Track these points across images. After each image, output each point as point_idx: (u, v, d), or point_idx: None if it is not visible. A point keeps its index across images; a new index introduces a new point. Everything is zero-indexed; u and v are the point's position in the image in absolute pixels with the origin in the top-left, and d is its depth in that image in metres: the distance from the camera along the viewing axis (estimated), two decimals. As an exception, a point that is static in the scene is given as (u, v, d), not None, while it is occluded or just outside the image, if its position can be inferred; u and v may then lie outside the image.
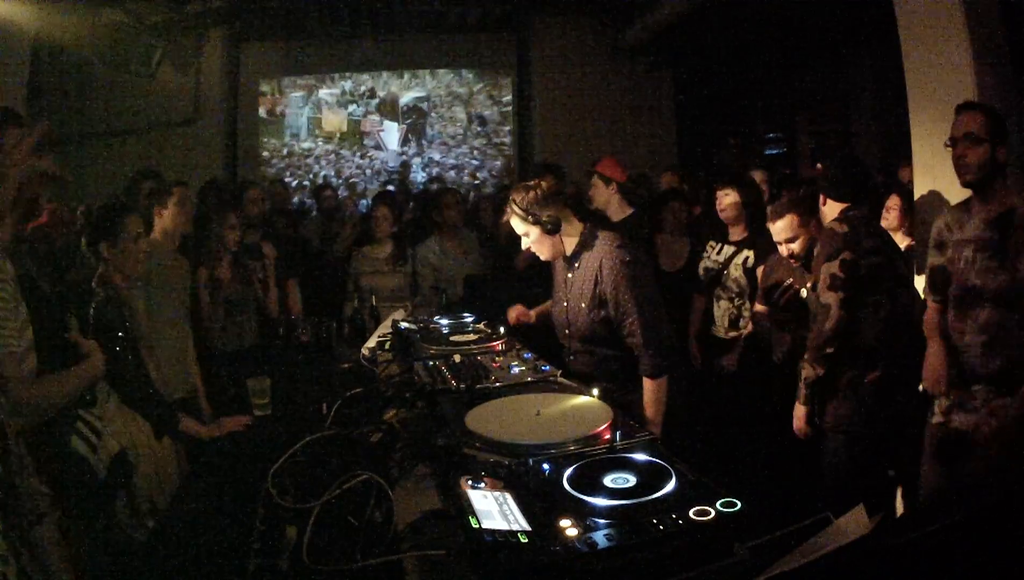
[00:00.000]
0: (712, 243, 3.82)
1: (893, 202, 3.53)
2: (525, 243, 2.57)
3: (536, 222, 2.49)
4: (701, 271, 3.78)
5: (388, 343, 2.87)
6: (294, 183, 7.78)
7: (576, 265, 2.57)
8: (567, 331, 2.63)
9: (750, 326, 3.55)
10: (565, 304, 2.62)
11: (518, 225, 2.54)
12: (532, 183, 2.55)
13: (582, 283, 2.53)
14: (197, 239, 3.74)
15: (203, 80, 6.91)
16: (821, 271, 2.64)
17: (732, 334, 3.66)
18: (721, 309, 3.70)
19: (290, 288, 4.15)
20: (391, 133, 8.12)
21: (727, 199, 3.65)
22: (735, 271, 3.62)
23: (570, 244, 2.58)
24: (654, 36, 6.49)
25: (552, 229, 2.48)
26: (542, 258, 2.62)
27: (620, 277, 2.43)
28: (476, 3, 7.15)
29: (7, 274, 1.67)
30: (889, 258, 2.72)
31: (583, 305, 2.52)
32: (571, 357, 2.64)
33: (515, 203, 2.51)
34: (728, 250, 3.70)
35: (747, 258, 3.61)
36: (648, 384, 2.43)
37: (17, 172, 1.68)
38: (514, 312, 2.91)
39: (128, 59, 5.89)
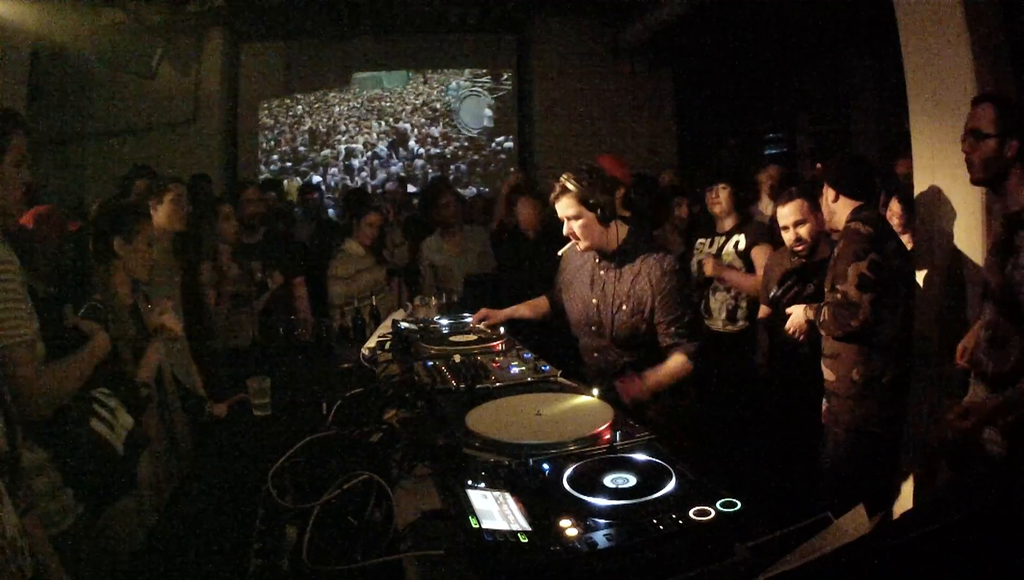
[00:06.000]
0: (702, 240, 3.90)
1: (895, 207, 3.52)
2: (567, 228, 2.48)
3: (593, 207, 2.41)
4: (694, 266, 3.80)
5: (388, 343, 2.88)
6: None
7: (616, 267, 2.52)
8: (593, 328, 2.58)
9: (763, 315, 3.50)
10: (594, 301, 2.56)
11: (569, 206, 2.44)
12: (586, 167, 2.47)
13: (627, 287, 2.48)
14: (196, 237, 3.73)
15: (203, 80, 6.92)
16: (849, 271, 2.60)
17: (729, 328, 3.68)
18: (718, 301, 3.73)
19: (297, 287, 4.14)
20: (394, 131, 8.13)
21: (724, 193, 3.73)
22: (728, 257, 3.68)
23: (611, 241, 2.50)
24: (654, 36, 6.49)
25: (606, 218, 2.42)
26: (580, 248, 2.53)
27: (671, 284, 2.45)
28: (476, 3, 7.16)
29: (14, 264, 1.68)
30: (906, 259, 2.72)
31: (624, 307, 2.48)
32: (595, 354, 2.59)
33: (571, 182, 2.42)
34: (719, 240, 3.77)
35: (738, 242, 3.68)
36: (679, 359, 2.43)
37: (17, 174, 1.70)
38: (478, 316, 2.81)
39: (128, 59, 5.91)
